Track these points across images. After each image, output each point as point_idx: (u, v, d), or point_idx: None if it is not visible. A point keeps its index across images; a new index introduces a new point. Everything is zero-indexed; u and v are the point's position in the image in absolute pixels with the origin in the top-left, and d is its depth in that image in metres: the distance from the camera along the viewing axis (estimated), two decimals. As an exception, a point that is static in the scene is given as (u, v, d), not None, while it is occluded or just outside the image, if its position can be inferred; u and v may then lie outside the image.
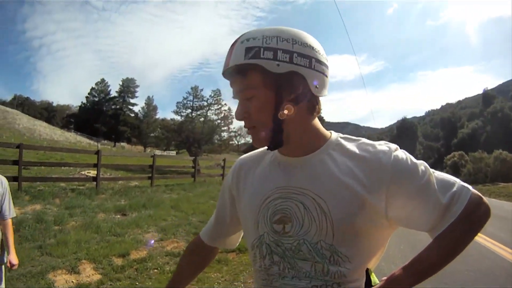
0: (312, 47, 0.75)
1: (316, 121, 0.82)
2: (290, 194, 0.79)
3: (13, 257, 2.08)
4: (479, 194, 0.75)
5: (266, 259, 0.81)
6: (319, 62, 0.76)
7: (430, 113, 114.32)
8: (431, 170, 0.77)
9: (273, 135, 0.78)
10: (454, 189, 0.74)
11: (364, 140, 0.82)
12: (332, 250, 0.74)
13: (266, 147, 0.86)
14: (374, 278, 0.81)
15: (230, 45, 0.78)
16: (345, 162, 0.78)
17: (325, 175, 0.77)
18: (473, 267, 4.08)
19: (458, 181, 0.77)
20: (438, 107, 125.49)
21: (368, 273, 0.80)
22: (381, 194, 0.73)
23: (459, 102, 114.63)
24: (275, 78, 0.74)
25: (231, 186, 0.95)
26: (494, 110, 64.53)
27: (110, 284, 3.40)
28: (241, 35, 0.77)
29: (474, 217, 0.74)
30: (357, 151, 0.79)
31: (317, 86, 0.76)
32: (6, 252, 2.06)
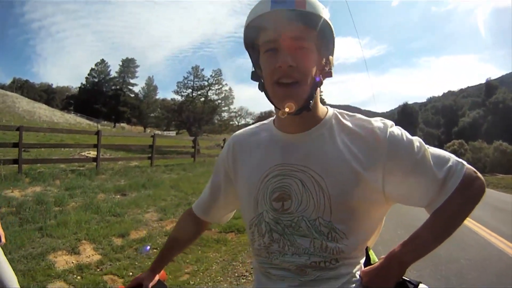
0: None
1: None
2: (289, 171, 0.78)
3: None
4: (474, 169, 0.75)
5: (265, 237, 0.80)
6: None
7: (432, 100, 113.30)
8: (426, 145, 0.76)
9: (310, 94, 0.75)
10: (450, 164, 0.74)
11: (359, 116, 0.81)
12: (330, 227, 0.74)
13: (267, 121, 0.89)
14: (373, 256, 0.82)
15: None
16: (343, 138, 0.77)
17: (323, 151, 0.77)
18: (470, 257, 4.12)
19: (452, 156, 0.76)
20: (440, 94, 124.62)
21: (367, 251, 0.81)
22: (378, 170, 0.73)
23: (461, 90, 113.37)
24: (321, 41, 0.75)
25: (227, 166, 0.93)
26: (496, 101, 64.00)
27: (110, 264, 3.43)
28: None
29: (470, 191, 0.74)
30: (353, 127, 0.78)
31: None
32: None
